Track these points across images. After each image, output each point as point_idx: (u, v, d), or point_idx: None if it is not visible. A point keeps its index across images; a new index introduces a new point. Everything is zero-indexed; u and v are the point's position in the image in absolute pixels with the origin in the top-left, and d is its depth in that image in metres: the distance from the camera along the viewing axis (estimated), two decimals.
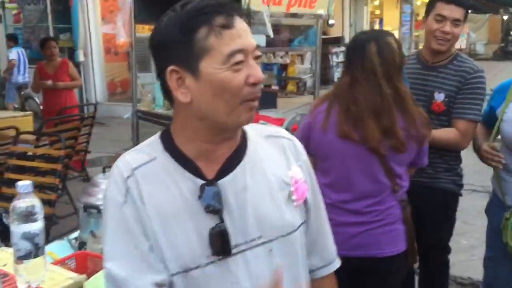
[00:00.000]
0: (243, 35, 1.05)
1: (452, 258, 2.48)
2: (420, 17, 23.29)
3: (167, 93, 1.11)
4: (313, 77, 3.52)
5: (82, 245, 2.17)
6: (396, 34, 14.86)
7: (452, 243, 2.75)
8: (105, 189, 1.13)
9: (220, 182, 1.10)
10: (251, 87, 1.05)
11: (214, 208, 1.08)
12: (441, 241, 2.68)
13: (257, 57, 1.08)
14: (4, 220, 3.28)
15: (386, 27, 18.40)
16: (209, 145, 1.11)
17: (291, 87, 3.50)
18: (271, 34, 2.81)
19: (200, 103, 1.07)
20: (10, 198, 3.47)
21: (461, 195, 2.67)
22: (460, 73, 2.45)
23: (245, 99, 1.05)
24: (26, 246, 1.30)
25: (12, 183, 3.77)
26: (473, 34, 22.66)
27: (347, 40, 14.60)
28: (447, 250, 2.74)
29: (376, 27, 18.23)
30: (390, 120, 1.93)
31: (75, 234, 2.30)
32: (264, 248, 1.13)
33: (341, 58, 11.54)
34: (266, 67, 3.62)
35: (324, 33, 14.91)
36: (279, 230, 1.15)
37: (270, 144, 1.23)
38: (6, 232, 2.61)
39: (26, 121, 6.29)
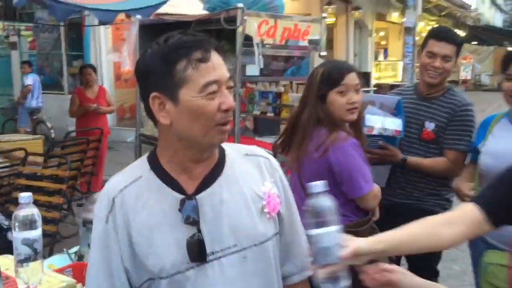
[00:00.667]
0: (217, 68, 1.22)
1: (444, 284, 2.53)
2: None
3: (151, 115, 1.28)
4: None
5: (80, 258, 2.33)
6: (400, 64, 15.12)
7: (444, 269, 2.82)
8: (95, 206, 1.30)
9: (199, 196, 1.26)
10: (224, 113, 1.23)
11: (193, 219, 1.23)
12: (430, 263, 2.78)
13: (229, 87, 1.26)
14: (9, 236, 3.44)
15: (390, 58, 18.73)
16: (188, 163, 1.28)
17: (285, 113, 3.68)
18: (261, 65, 3.02)
19: (179, 126, 1.24)
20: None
21: None
22: (450, 105, 2.66)
23: (218, 123, 1.23)
24: (26, 251, 1.47)
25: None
26: (478, 66, 22.84)
27: None
28: (436, 273, 2.84)
29: (381, 57, 18.56)
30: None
31: (75, 248, 2.46)
32: (239, 255, 1.27)
33: None
34: (263, 95, 3.81)
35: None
36: (252, 239, 1.29)
37: (247, 161, 1.39)
38: (10, 248, 2.79)
39: (36, 144, 6.52)
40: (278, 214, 1.36)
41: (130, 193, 1.26)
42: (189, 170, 1.29)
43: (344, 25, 15.64)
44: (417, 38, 19.81)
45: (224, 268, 1.26)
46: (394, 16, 16.52)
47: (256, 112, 3.91)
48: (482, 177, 2.38)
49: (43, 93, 10.51)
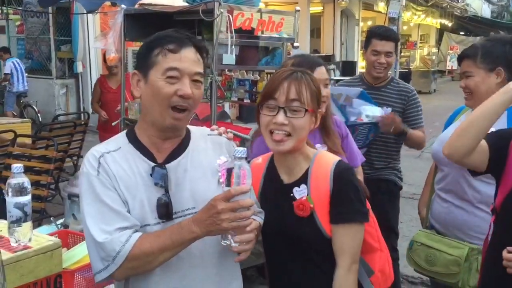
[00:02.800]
0: (184, 61, 1.52)
1: (405, 259, 2.84)
2: (411, 38, 23.98)
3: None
4: None
5: (66, 227, 2.60)
6: None
7: (406, 246, 3.14)
8: (81, 168, 1.55)
9: (167, 165, 1.55)
10: (179, 98, 1.51)
11: (161, 184, 1.51)
12: (390, 223, 3.20)
13: (196, 81, 1.54)
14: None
15: None
16: (156, 139, 1.58)
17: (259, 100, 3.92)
18: (233, 56, 3.28)
19: (145, 101, 1.56)
20: None
21: (401, 187, 3.37)
22: (401, 92, 3.19)
23: (172, 106, 1.51)
24: (17, 213, 1.72)
25: None
26: None
27: (337, 58, 15.11)
28: (396, 234, 3.32)
29: None
30: None
31: (62, 220, 2.72)
32: None
33: (331, 75, 12.03)
34: (240, 83, 4.04)
35: (316, 50, 15.40)
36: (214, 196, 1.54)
37: (210, 140, 1.69)
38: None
39: (24, 127, 6.71)
40: None
41: (112, 157, 1.52)
42: (157, 145, 1.57)
43: (331, 14, 15.84)
44: (404, 27, 20.07)
45: None
46: (381, 5, 16.73)
47: (234, 99, 4.13)
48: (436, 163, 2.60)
49: (31, 77, 10.66)
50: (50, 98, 10.65)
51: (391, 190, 3.29)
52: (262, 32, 3.76)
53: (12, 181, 1.73)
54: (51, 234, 2.34)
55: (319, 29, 16.42)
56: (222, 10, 3.36)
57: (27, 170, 4.39)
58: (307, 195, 1.68)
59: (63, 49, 10.98)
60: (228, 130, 1.82)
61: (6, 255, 1.68)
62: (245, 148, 1.44)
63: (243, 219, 1.40)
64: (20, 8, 10.83)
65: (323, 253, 1.70)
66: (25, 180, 1.74)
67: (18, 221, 1.73)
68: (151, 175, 1.52)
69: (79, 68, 10.32)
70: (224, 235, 1.45)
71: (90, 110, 10.40)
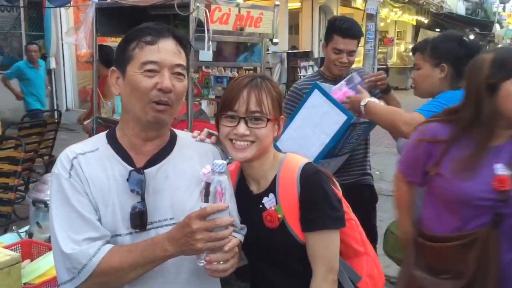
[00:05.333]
0: (162, 52, 1.40)
1: (387, 260, 2.78)
2: (388, 35, 24.11)
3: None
4: None
5: (30, 236, 2.42)
6: (361, 50, 15.38)
7: None
8: (53, 168, 1.43)
9: (146, 171, 1.42)
10: (159, 92, 1.39)
11: (137, 191, 1.39)
12: (373, 229, 3.08)
13: (177, 73, 1.42)
14: None
15: None
16: (136, 139, 1.45)
17: None
18: (210, 52, 3.13)
19: (124, 98, 1.43)
20: None
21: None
22: None
23: (152, 100, 1.39)
24: None
25: None
26: None
27: (316, 54, 15.05)
28: (376, 238, 3.15)
29: None
30: None
31: (26, 227, 2.55)
32: None
33: (309, 71, 11.95)
34: (217, 80, 3.91)
35: (294, 47, 15.33)
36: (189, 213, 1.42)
37: (196, 147, 1.57)
38: None
39: None
40: None
41: (86, 159, 1.41)
42: (137, 147, 1.45)
43: (309, 10, 15.77)
44: (381, 24, 20.16)
45: None
46: (359, 1, 16.73)
47: (212, 96, 4.01)
48: None
49: (2, 73, 10.29)
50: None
51: (374, 195, 3.17)
52: (241, 28, 3.62)
53: None
54: (14, 244, 2.18)
55: (297, 25, 16.34)
56: (198, 4, 3.21)
57: None
58: (276, 204, 1.59)
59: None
60: (209, 131, 1.69)
61: None
62: (225, 162, 1.32)
63: (220, 239, 1.28)
64: None
65: (301, 260, 1.61)
66: None
67: None
68: (127, 180, 1.39)
69: (52, 64, 10.01)
70: (199, 255, 1.32)
71: (64, 108, 10.17)
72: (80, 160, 1.40)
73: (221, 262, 1.33)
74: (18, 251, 2.15)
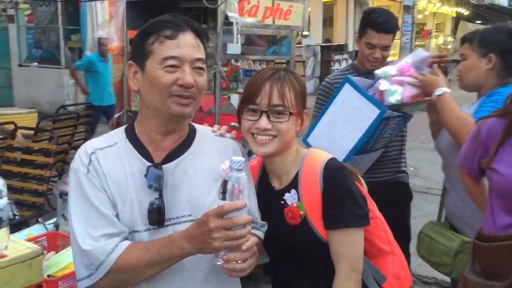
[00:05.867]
0: (183, 47, 1.36)
1: (419, 258, 2.70)
2: (426, 27, 23.49)
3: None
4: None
5: (57, 228, 2.45)
6: (397, 43, 15.04)
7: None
8: (71, 163, 1.41)
9: (165, 166, 1.39)
10: (180, 87, 1.36)
11: (155, 187, 1.36)
12: (407, 228, 2.96)
13: (198, 68, 1.39)
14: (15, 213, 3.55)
15: None
16: (156, 135, 1.42)
17: None
18: (239, 44, 3.08)
19: (143, 92, 1.40)
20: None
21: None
22: None
23: (172, 94, 1.36)
24: None
25: (9, 175, 4.07)
26: None
27: (350, 47, 14.80)
28: (409, 237, 3.02)
29: None
30: None
31: (54, 219, 2.58)
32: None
33: (344, 65, 11.76)
34: (246, 73, 3.86)
35: (328, 40, 15.12)
36: (206, 211, 1.38)
37: (216, 142, 1.53)
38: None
39: (30, 118, 6.62)
40: None
41: (105, 154, 1.39)
42: (155, 142, 1.42)
43: (344, 3, 15.51)
44: (419, 16, 19.65)
45: None
46: None
47: (240, 90, 3.96)
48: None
49: (41, 67, 10.57)
50: (59, 88, 10.56)
51: (408, 193, 3.04)
52: (273, 21, 3.56)
53: None
54: (39, 236, 2.20)
55: (331, 18, 16.09)
56: None
57: (28, 164, 4.28)
58: (298, 200, 1.54)
59: (73, 38, 10.86)
60: (233, 124, 1.66)
61: None
62: (243, 159, 1.28)
63: (238, 238, 1.24)
64: None
65: (323, 259, 1.56)
66: (0, 182, 1.59)
67: None
68: (145, 175, 1.37)
69: None
70: (216, 254, 1.28)
71: None
72: (98, 155, 1.38)
73: (239, 262, 1.28)
74: (44, 243, 2.18)
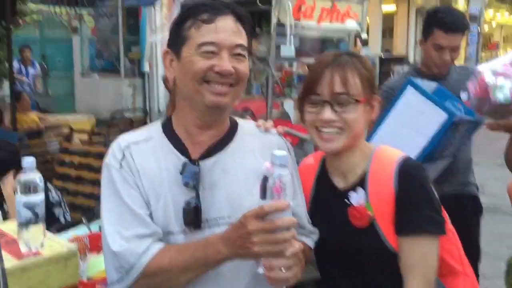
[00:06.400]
0: (220, 32, 1.24)
1: (490, 283, 2.47)
2: (494, 39, 22.41)
3: None
4: None
5: (100, 229, 2.38)
6: (462, 54, 14.36)
7: (492, 268, 2.77)
8: (104, 158, 1.33)
9: (202, 163, 1.28)
10: (216, 75, 1.23)
11: (192, 185, 1.25)
12: (476, 246, 2.71)
13: (238, 54, 1.26)
14: (56, 212, 3.57)
15: None
16: (193, 128, 1.31)
17: None
18: (293, 46, 2.95)
19: (179, 82, 1.29)
20: (61, 190, 3.80)
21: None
22: (470, 74, 2.47)
23: (206, 80, 1.23)
24: (27, 214, 1.50)
25: (63, 177, 4.12)
26: None
27: (411, 59, 14.32)
28: (479, 256, 2.76)
29: None
30: None
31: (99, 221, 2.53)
32: None
33: None
34: (300, 79, 3.73)
35: (387, 51, 14.71)
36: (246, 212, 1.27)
37: (259, 138, 1.39)
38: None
39: (89, 123, 6.78)
40: None
41: (139, 148, 1.30)
42: (193, 136, 1.31)
43: (405, 13, 15.09)
44: (485, 27, 18.79)
45: None
46: (461, 4, 15.70)
47: (294, 96, 3.83)
48: None
49: (102, 76, 10.93)
50: (118, 97, 10.86)
51: (478, 207, 2.78)
52: (330, 23, 3.40)
53: (22, 177, 1.50)
54: (81, 237, 2.14)
55: (391, 29, 15.69)
56: None
57: (84, 167, 4.34)
58: (366, 201, 1.37)
59: (134, 50, 11.16)
60: (286, 129, 1.52)
61: (11, 262, 1.45)
62: (286, 153, 1.13)
63: (280, 242, 1.09)
64: (87, 8, 11.10)
65: (387, 271, 1.38)
66: (37, 177, 1.52)
67: (27, 223, 1.51)
68: (181, 172, 1.26)
69: (146, 67, 10.40)
70: (257, 260, 1.14)
71: (156, 110, 10.50)
72: (132, 150, 1.28)
73: (282, 269, 1.13)
74: (87, 242, 2.11)
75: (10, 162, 2.86)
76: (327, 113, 1.35)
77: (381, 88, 2.72)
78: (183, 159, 1.28)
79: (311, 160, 1.55)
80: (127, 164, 1.26)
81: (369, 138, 2.41)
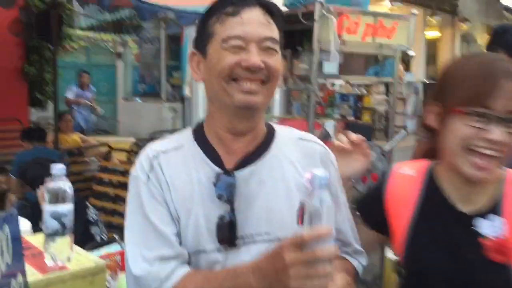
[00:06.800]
0: (247, 24, 1.13)
1: None
2: None
3: None
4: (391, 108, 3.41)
5: None
6: None
7: None
8: (131, 170, 1.22)
9: (237, 173, 1.15)
10: (245, 71, 1.11)
11: (226, 198, 1.12)
12: None
13: (268, 48, 1.14)
14: (92, 230, 3.53)
15: None
16: (225, 134, 1.18)
17: (366, 117, 3.44)
18: (336, 64, 2.83)
19: (206, 83, 1.17)
20: (98, 209, 3.76)
21: None
22: None
23: (234, 78, 1.11)
24: (53, 224, 1.41)
25: (101, 196, 4.09)
26: None
27: None
28: None
29: None
30: None
31: None
32: (270, 245, 1.11)
33: None
34: (343, 98, 3.60)
35: (432, 77, 14.37)
36: (288, 231, 1.11)
37: (299, 146, 1.26)
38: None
39: (129, 143, 6.80)
40: None
41: (169, 158, 1.18)
42: (226, 144, 1.19)
43: (449, 39, 14.75)
44: None
45: (252, 256, 1.11)
46: None
47: (336, 116, 3.69)
48: None
49: (144, 101, 11.12)
50: (159, 121, 11.00)
51: None
52: (373, 39, 3.27)
53: (50, 185, 1.43)
54: (115, 254, 2.05)
55: (434, 55, 15.36)
56: (324, 11, 2.96)
57: (122, 186, 4.31)
58: (502, 231, 1.18)
59: (175, 75, 11.34)
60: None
61: (34, 276, 1.36)
62: (326, 173, 0.98)
63: (322, 276, 0.93)
64: (132, 35, 11.38)
65: None
66: (66, 185, 1.43)
67: (54, 235, 1.42)
68: (214, 184, 1.13)
69: (186, 91, 10.50)
70: None
71: None
72: (161, 160, 1.18)
73: None
74: (119, 260, 2.03)
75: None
76: (497, 133, 1.13)
77: None
78: (216, 169, 1.16)
79: (411, 171, 1.34)
80: (155, 176, 1.16)
81: None
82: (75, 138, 6.26)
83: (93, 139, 6.37)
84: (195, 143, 1.21)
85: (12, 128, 5.36)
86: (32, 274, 1.36)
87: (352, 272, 1.26)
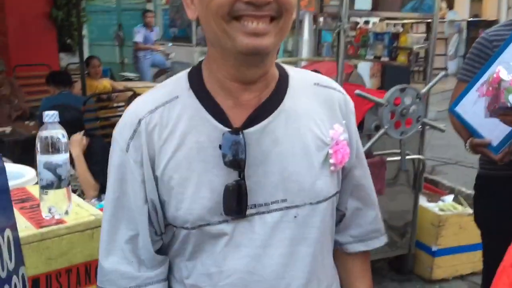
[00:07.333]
0: None
1: None
2: None
3: None
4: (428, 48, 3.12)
5: None
6: None
7: None
8: (114, 128, 1.02)
9: (246, 132, 0.94)
10: (247, 6, 0.87)
11: (235, 161, 0.93)
12: None
13: None
14: None
15: None
16: (231, 83, 0.96)
17: (401, 58, 3.16)
18: None
19: (202, 22, 0.94)
20: None
21: None
22: None
23: (236, 16, 0.88)
24: (48, 176, 1.31)
25: None
26: None
27: None
28: None
29: None
30: None
31: None
32: (287, 213, 0.97)
33: None
34: (377, 37, 3.31)
35: (476, 15, 13.51)
36: (308, 196, 0.98)
37: (316, 93, 1.05)
38: None
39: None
40: (343, 168, 1.05)
41: (160, 116, 0.96)
42: (233, 94, 0.96)
43: None
44: None
45: (267, 227, 0.96)
46: None
47: (369, 57, 3.42)
48: None
49: (174, 44, 10.94)
50: (189, 65, 10.88)
51: None
52: None
53: (43, 133, 1.31)
54: None
55: None
56: None
57: None
58: None
59: None
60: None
61: (28, 230, 1.27)
62: None
63: None
64: None
65: None
66: (59, 133, 1.31)
67: (49, 187, 1.32)
68: (219, 146, 0.94)
69: None
70: None
71: None
72: (149, 123, 0.96)
73: None
74: None
75: (74, 124, 2.89)
76: None
77: (477, 40, 2.26)
78: (221, 127, 0.95)
79: None
80: (138, 146, 0.95)
81: (458, 99, 2.04)
82: (105, 83, 6.20)
83: (119, 85, 6.29)
84: (191, 93, 0.98)
85: (42, 74, 5.30)
86: (26, 228, 1.27)
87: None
